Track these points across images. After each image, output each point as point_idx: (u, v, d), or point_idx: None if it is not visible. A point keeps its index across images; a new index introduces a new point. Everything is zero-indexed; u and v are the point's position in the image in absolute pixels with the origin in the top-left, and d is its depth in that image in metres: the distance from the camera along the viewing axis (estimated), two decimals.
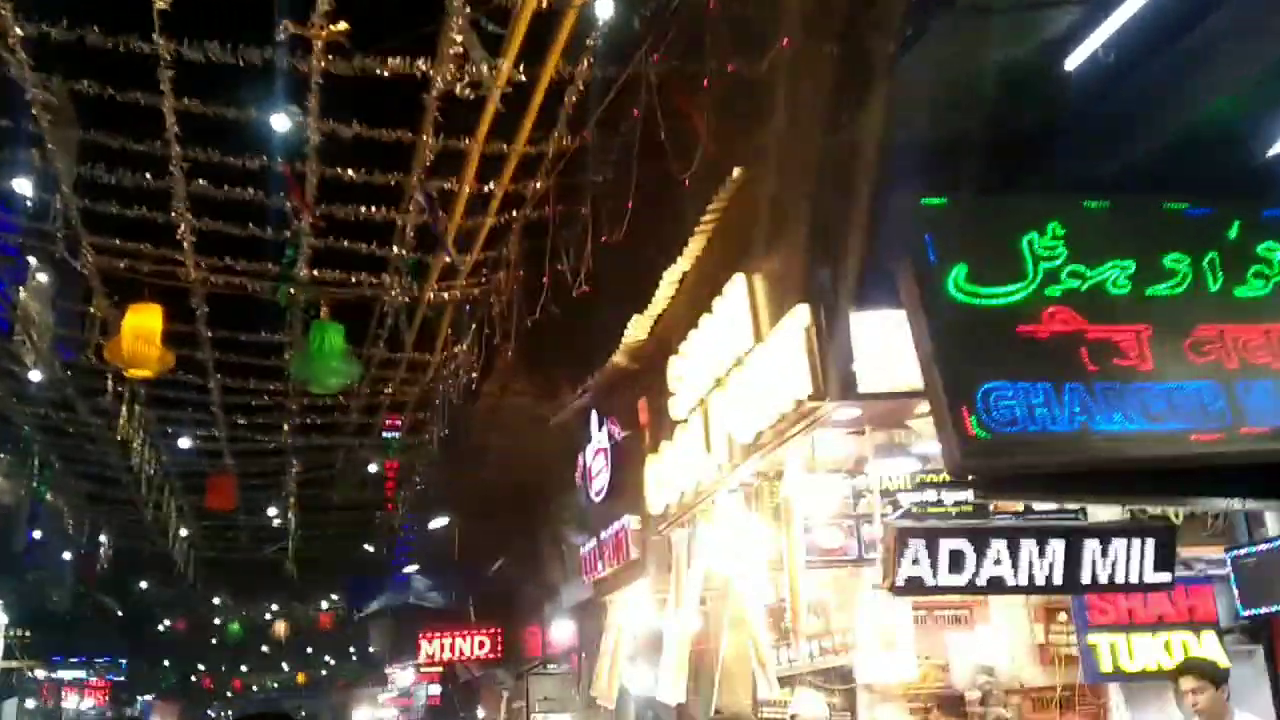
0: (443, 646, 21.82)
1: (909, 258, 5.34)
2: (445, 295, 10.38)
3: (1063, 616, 8.33)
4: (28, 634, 26.91)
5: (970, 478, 5.23)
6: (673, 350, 7.78)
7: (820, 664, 8.87)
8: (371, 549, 25.24)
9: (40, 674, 31.67)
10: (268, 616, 37.37)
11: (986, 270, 5.39)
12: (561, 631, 17.32)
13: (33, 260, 11.59)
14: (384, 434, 16.64)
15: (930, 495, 7.76)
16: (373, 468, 17.36)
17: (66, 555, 25.64)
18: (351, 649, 47.42)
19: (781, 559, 7.07)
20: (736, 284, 6.50)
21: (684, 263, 6.85)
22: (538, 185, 8.07)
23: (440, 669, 29.50)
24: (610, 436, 9.31)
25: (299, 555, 21.95)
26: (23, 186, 8.47)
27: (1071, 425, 5.11)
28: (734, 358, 6.61)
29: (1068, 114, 5.43)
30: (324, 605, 35.82)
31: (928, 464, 7.23)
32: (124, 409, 12.76)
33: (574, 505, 14.87)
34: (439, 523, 17.92)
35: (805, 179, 5.59)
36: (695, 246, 6.61)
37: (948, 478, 7.56)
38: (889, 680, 7.52)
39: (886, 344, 5.58)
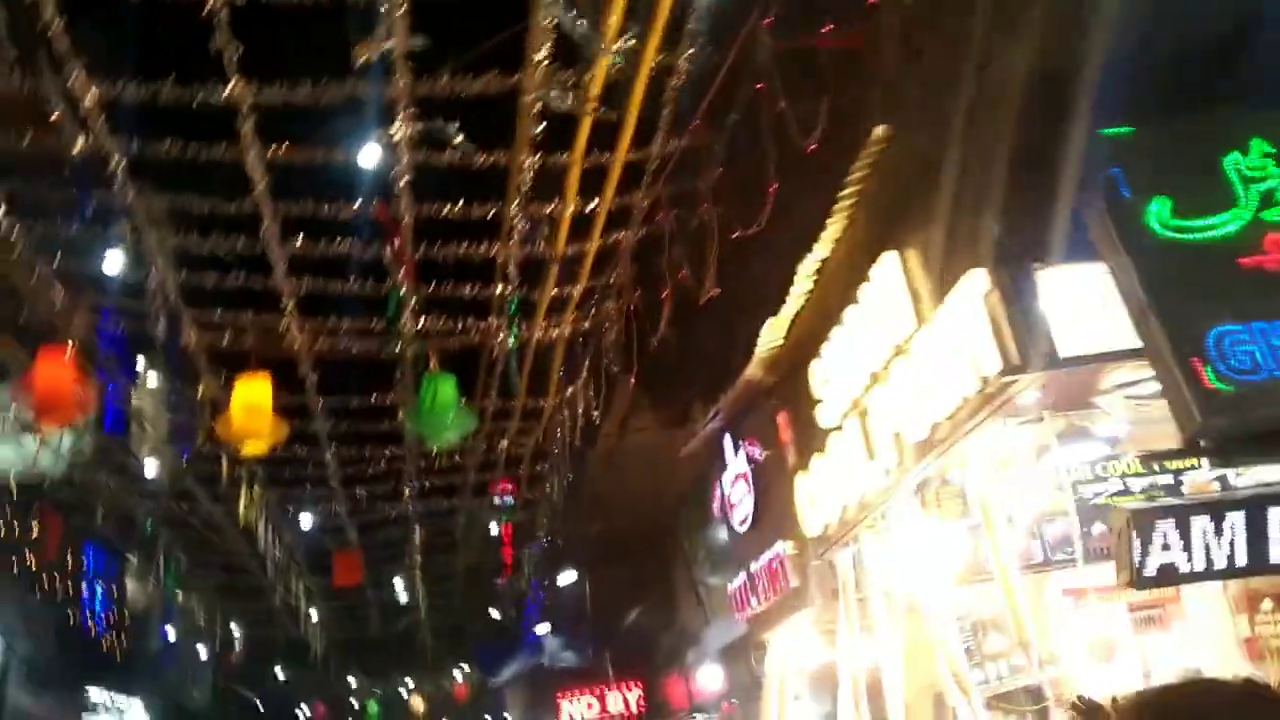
0: (586, 705, 21.14)
1: (1100, 198, 4.62)
2: (554, 333, 9.85)
3: (1267, 604, 7.37)
4: None
5: (1202, 444, 4.47)
6: (814, 353, 7.09)
7: (1008, 684, 8.02)
8: (498, 615, 24.77)
9: None
10: (403, 692, 37.03)
11: (1191, 200, 4.64)
12: (708, 678, 16.52)
13: (141, 358, 11.51)
14: (495, 499, 16.21)
15: (1115, 485, 6.94)
16: (494, 528, 16.87)
17: (202, 649, 25.68)
18: (487, 718, 46.97)
19: (972, 570, 6.32)
20: (888, 263, 5.80)
21: (821, 249, 6.16)
22: (647, 193, 7.50)
23: None
24: (750, 460, 8.60)
25: (430, 627, 21.54)
26: (116, 266, 8.21)
27: None
28: (892, 347, 5.90)
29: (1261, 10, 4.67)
30: (458, 676, 35.35)
31: (1115, 448, 6.41)
32: (243, 492, 12.48)
33: (710, 542, 14.17)
34: (568, 578, 17.30)
35: (960, 125, 4.89)
36: (834, 229, 5.93)
37: (1134, 464, 6.75)
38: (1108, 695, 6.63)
39: (1080, 303, 4.83)
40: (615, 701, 21.07)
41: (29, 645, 17.75)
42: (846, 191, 5.58)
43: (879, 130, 5.13)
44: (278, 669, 31.21)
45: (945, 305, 5.18)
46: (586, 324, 9.66)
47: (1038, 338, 4.64)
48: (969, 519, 5.97)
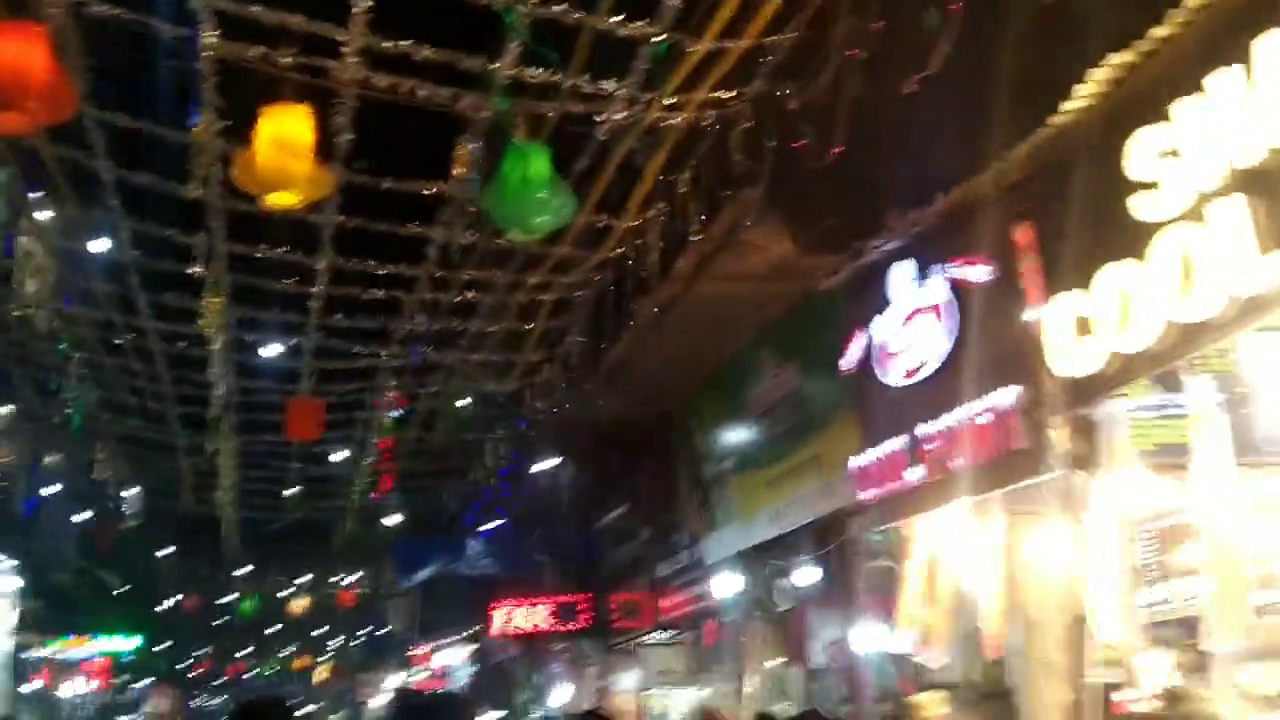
0: (517, 617, 19.19)
1: None
2: (672, 119, 7.69)
3: None
4: (38, 604, 23.95)
5: None
6: (1137, 119, 5.14)
7: (1190, 609, 6.40)
8: (410, 515, 22.50)
9: (44, 653, 28.68)
10: (286, 593, 34.27)
11: None
12: (693, 594, 14.71)
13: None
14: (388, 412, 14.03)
15: None
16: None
17: (79, 517, 22.74)
18: (361, 630, 44.56)
19: None
20: None
21: None
22: None
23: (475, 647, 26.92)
24: (954, 286, 6.64)
25: (356, 516, 19.13)
26: None
27: None
28: None
29: None
30: (348, 580, 32.83)
31: None
32: (206, 301, 9.97)
33: (739, 434, 12.28)
34: (544, 466, 15.16)
35: None
36: None
37: None
38: None
39: None
40: (556, 614, 19.21)
41: None
42: None
43: None
44: (162, 550, 28.25)
45: None
46: (713, 110, 7.51)
47: None
48: None
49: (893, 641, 7.55)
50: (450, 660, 27.67)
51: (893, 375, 7.24)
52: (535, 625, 19.44)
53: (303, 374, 12.68)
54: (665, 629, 16.06)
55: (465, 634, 25.59)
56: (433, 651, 29.87)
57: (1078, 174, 5.65)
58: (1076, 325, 5.61)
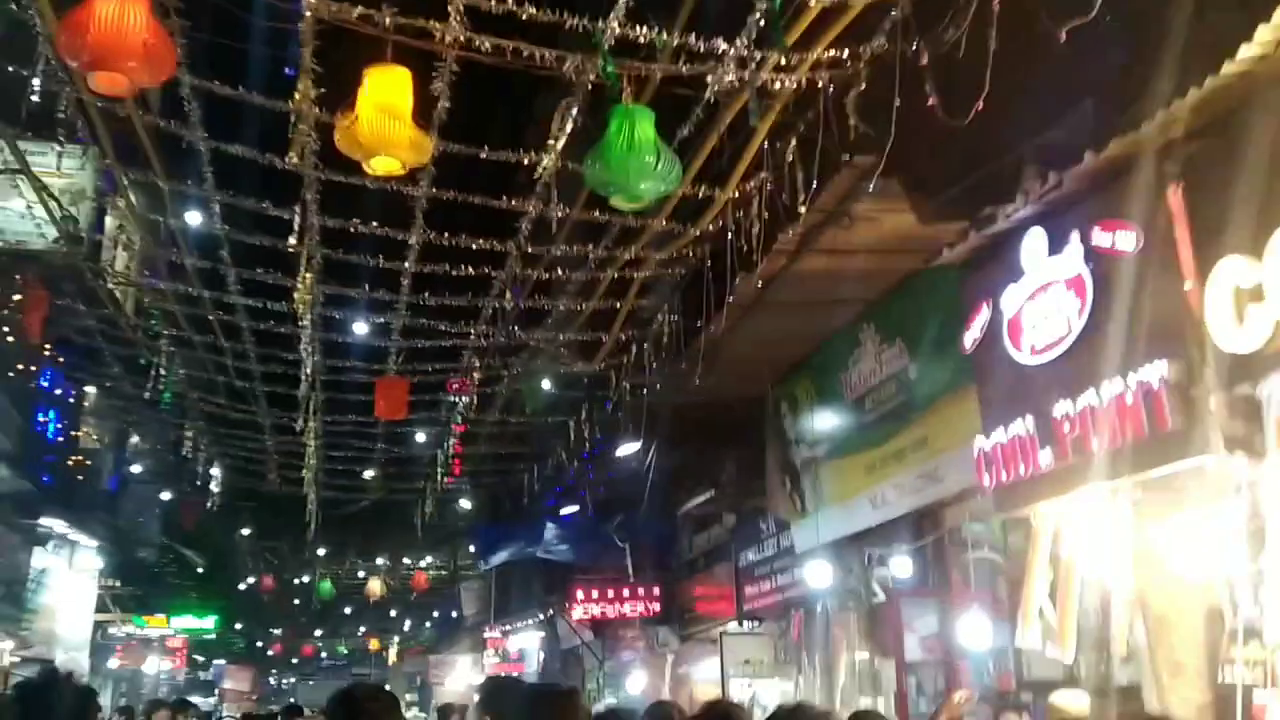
0: (601, 599, 19.02)
1: None
2: (787, 80, 7.30)
3: None
4: (118, 585, 24.35)
5: None
6: None
7: None
8: (489, 498, 22.42)
9: (126, 630, 29.22)
10: (362, 574, 34.50)
11: None
12: (780, 583, 14.35)
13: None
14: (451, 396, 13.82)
15: None
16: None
17: (163, 495, 23.04)
18: (435, 613, 44.85)
19: None
20: None
21: None
22: None
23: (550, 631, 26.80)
24: (1091, 255, 6.18)
25: (435, 499, 19.04)
26: None
27: None
28: None
29: None
30: (424, 562, 32.95)
31: None
32: (300, 277, 9.81)
33: (835, 416, 11.86)
34: (627, 450, 14.84)
35: None
36: None
37: None
38: None
39: None
40: (633, 600, 19.03)
41: None
42: None
43: None
44: (240, 531, 28.59)
45: None
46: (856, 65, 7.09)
47: None
48: None
49: (1016, 636, 7.09)
50: (524, 645, 27.62)
51: (1022, 352, 6.79)
52: (611, 611, 19.29)
53: (389, 352, 12.53)
54: (749, 618, 15.71)
55: (540, 619, 25.50)
56: (506, 635, 29.88)
57: (1249, 129, 5.17)
58: (1242, 295, 5.15)
